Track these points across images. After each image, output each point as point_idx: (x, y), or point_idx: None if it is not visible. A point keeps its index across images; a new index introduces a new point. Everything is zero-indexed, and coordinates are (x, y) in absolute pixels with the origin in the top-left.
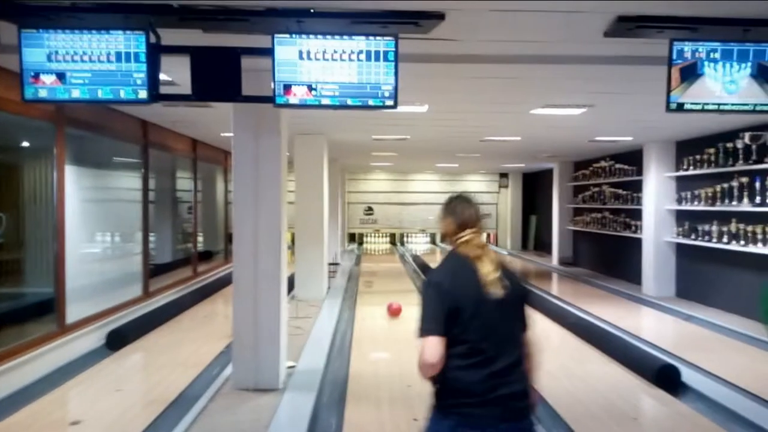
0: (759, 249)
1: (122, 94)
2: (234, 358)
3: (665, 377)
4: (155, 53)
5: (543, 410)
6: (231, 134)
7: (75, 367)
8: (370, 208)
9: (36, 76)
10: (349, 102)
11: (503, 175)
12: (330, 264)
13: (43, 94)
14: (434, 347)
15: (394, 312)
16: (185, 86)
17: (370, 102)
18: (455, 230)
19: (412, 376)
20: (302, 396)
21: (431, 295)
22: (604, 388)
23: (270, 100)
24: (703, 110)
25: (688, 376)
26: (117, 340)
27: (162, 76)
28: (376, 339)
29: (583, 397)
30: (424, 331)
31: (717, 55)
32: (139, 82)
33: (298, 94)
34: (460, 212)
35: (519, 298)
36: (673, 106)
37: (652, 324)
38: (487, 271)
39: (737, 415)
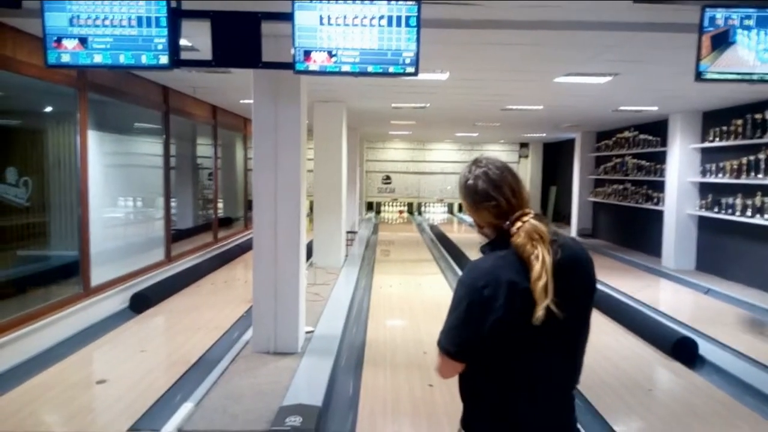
0: None
1: (143, 60)
2: (254, 322)
3: (682, 350)
4: (176, 18)
5: None
6: (251, 101)
7: (99, 329)
8: (388, 177)
9: (59, 41)
10: (370, 69)
11: (523, 145)
12: (348, 232)
13: (65, 59)
14: None
15: None
16: (205, 52)
17: (391, 69)
18: (495, 216)
19: (428, 343)
20: (320, 360)
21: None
22: (620, 360)
23: (290, 66)
24: (734, 80)
25: (705, 349)
26: (140, 303)
27: (183, 42)
28: (393, 307)
29: (598, 368)
30: None
31: (751, 22)
32: (160, 47)
33: (318, 61)
34: (489, 189)
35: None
36: (703, 75)
37: (671, 297)
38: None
39: (753, 388)
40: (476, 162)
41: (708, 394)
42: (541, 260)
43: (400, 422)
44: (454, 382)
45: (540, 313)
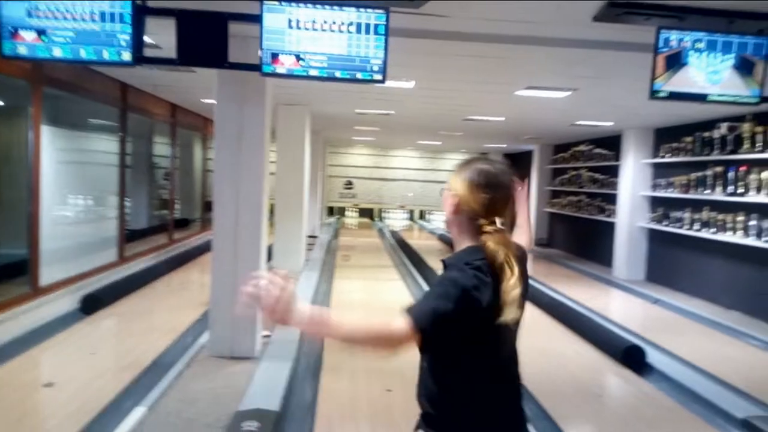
0: (728, 237)
1: (105, 55)
2: (211, 325)
3: (631, 357)
4: (140, 14)
5: None
6: (212, 101)
7: (48, 330)
8: (349, 183)
9: (15, 32)
10: (338, 74)
11: (484, 155)
12: (308, 236)
13: (22, 50)
14: None
15: None
16: (169, 50)
17: (359, 75)
18: (484, 213)
19: None
20: (278, 365)
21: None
22: (573, 366)
23: (257, 68)
24: (685, 99)
25: (653, 356)
26: (91, 304)
27: (145, 39)
28: (353, 311)
29: (553, 374)
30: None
31: (702, 45)
32: (123, 43)
33: (285, 64)
34: (500, 188)
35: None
36: (657, 93)
37: (621, 306)
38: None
39: (698, 396)
40: (496, 160)
41: (656, 400)
42: (515, 271)
43: (358, 426)
44: (411, 386)
45: (509, 317)
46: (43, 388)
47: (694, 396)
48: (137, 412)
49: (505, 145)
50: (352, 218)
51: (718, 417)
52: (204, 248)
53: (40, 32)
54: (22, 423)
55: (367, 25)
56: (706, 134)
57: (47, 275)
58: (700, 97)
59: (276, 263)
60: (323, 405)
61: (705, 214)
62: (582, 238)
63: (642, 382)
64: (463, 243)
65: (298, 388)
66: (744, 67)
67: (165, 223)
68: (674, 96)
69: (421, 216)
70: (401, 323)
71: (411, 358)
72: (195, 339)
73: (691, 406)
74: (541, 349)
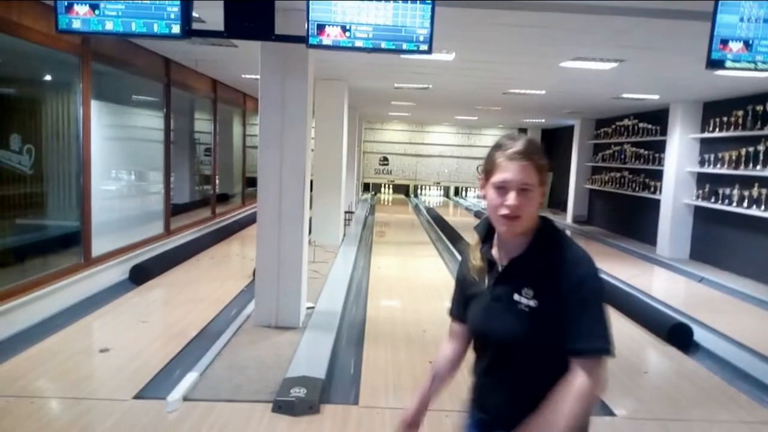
0: None
1: (156, 28)
2: (257, 295)
3: (677, 335)
4: None
5: None
6: (252, 76)
7: (100, 299)
8: (385, 159)
9: (70, 7)
10: (383, 45)
11: (522, 131)
12: (345, 212)
13: (76, 25)
14: None
15: None
16: (212, 24)
17: (405, 46)
18: None
19: (427, 322)
20: (322, 335)
21: None
22: (617, 344)
23: (302, 40)
24: (743, 68)
25: (699, 334)
26: (140, 275)
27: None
28: (392, 287)
29: None
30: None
31: (763, 12)
32: (172, 16)
33: (331, 35)
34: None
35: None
36: (714, 62)
37: (665, 284)
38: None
39: (745, 374)
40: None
41: (702, 377)
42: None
43: (401, 396)
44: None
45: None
46: (99, 354)
47: (740, 374)
48: (190, 377)
49: (543, 120)
50: (387, 194)
51: (766, 395)
52: (244, 222)
53: (93, 6)
54: (82, 385)
55: None
56: (759, 107)
57: (98, 246)
58: (756, 66)
59: (315, 237)
60: (366, 374)
61: (755, 191)
62: (624, 216)
63: (688, 360)
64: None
65: (342, 358)
66: None
67: (207, 198)
68: (732, 65)
69: (456, 193)
70: (595, 375)
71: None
72: (240, 310)
73: (737, 384)
74: None
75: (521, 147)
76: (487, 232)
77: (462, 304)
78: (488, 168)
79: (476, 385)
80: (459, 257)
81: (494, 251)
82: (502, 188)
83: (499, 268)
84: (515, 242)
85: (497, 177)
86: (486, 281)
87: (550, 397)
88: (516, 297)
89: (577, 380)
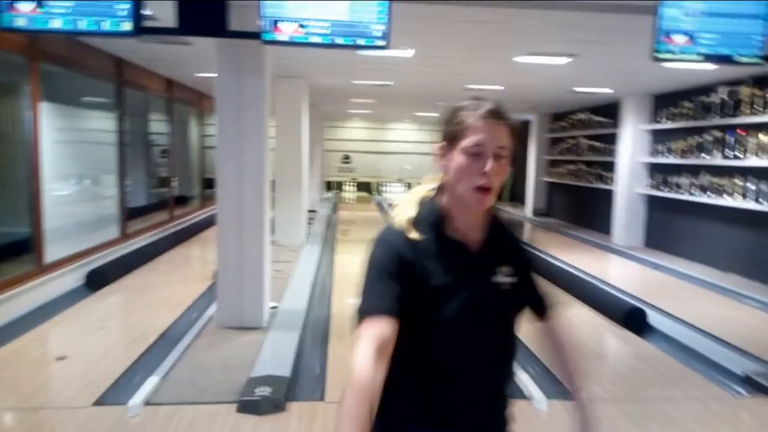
0: (726, 201)
1: (105, 26)
2: (219, 296)
3: (633, 319)
4: None
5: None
6: (207, 74)
7: (56, 306)
8: (347, 157)
9: (12, 4)
10: (339, 41)
11: None
12: (308, 211)
13: (20, 22)
14: None
15: None
16: (164, 20)
17: (361, 42)
18: None
19: None
20: (286, 333)
21: None
22: (575, 330)
23: (257, 36)
24: (687, 60)
25: (654, 318)
26: (97, 280)
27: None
28: (356, 284)
29: None
30: None
31: (705, 6)
32: (123, 13)
33: (286, 31)
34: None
35: None
36: (659, 55)
37: (621, 271)
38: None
39: (700, 355)
40: None
41: (658, 359)
42: None
43: None
44: None
45: None
46: (56, 362)
47: (695, 355)
48: (151, 382)
49: None
50: (350, 192)
51: (719, 374)
52: (204, 224)
53: (38, 3)
54: (39, 394)
55: None
56: (706, 99)
57: (51, 253)
58: (699, 57)
59: (277, 237)
60: (332, 370)
61: (704, 179)
62: (581, 207)
63: (644, 343)
64: None
65: (308, 355)
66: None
67: (164, 201)
68: (674, 57)
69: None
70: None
71: None
72: (202, 312)
73: (693, 365)
74: None
75: (495, 106)
76: (432, 211)
77: (401, 299)
78: (454, 131)
79: (439, 397)
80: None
81: (455, 232)
82: (477, 154)
83: (473, 251)
84: (474, 220)
85: (470, 140)
86: (451, 267)
87: (557, 350)
88: (498, 278)
89: (561, 327)
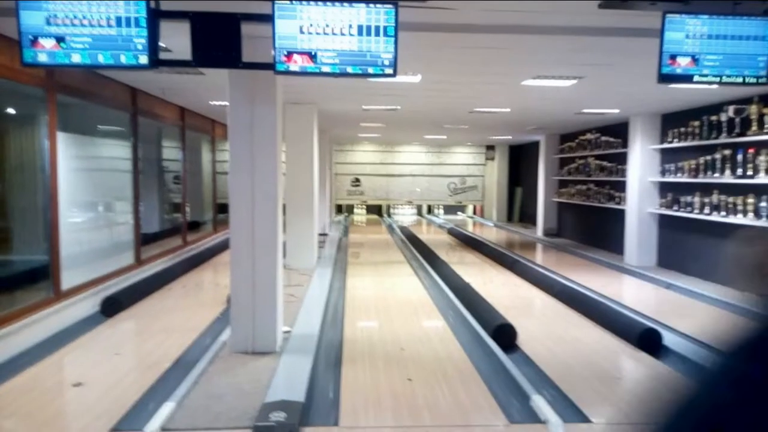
0: (738, 219)
1: (123, 59)
2: (232, 321)
3: (647, 340)
4: (155, 18)
5: (531, 371)
6: (220, 102)
7: (72, 333)
8: (357, 180)
9: (35, 40)
10: (349, 70)
11: (490, 147)
12: (319, 234)
13: (42, 58)
14: None
15: None
16: (179, 53)
17: (370, 70)
18: None
19: (405, 340)
20: (300, 358)
21: None
22: (589, 351)
23: (270, 66)
24: (692, 81)
25: (668, 339)
26: (112, 307)
27: None
28: (368, 308)
29: (569, 358)
30: None
31: (706, 29)
32: (139, 47)
33: (298, 62)
34: None
35: None
36: (665, 77)
37: (634, 291)
38: None
39: None
40: None
41: (674, 380)
42: None
43: (382, 416)
44: (432, 376)
45: None
46: (72, 388)
47: None
48: (167, 407)
49: (510, 137)
50: (360, 215)
51: None
52: (216, 249)
53: (59, 39)
54: (55, 422)
55: (377, 20)
56: (714, 118)
57: (68, 280)
58: (706, 79)
59: (289, 261)
60: (346, 395)
61: (715, 198)
62: (591, 227)
63: (659, 364)
64: None
65: (321, 380)
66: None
67: (177, 227)
68: (681, 78)
69: (429, 211)
70: None
71: (427, 348)
72: (215, 337)
73: None
74: (558, 336)
75: None
76: None
77: None
78: None
79: None
80: (435, 274)
81: None
82: None
83: None
84: None
85: None
86: None
87: None
88: None
89: None
